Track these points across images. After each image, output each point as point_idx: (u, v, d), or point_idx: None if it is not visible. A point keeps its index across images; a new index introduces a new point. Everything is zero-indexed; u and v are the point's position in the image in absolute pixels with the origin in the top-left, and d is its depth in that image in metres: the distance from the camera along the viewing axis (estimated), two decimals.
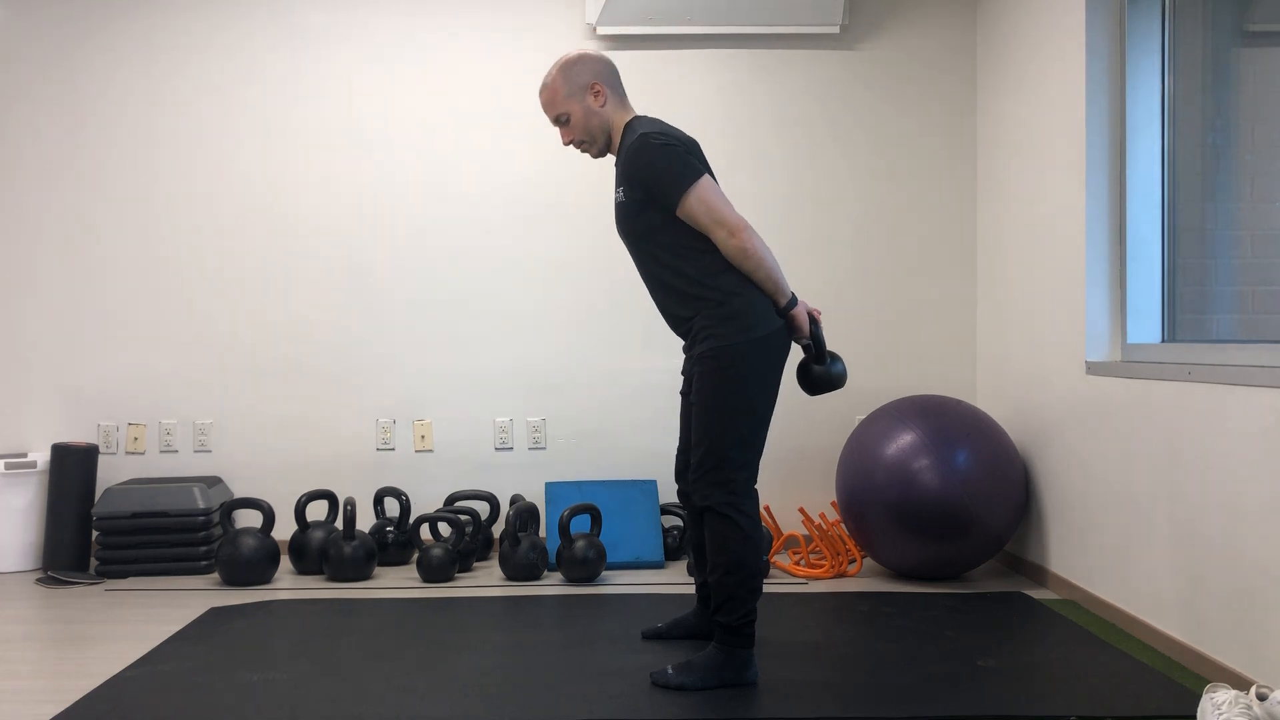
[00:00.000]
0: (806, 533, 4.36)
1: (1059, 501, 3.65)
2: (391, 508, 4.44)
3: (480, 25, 4.39)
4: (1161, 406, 2.98)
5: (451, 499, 4.27)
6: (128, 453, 4.36)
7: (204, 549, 4.04)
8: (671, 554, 4.20)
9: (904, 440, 3.67)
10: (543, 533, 4.29)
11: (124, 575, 4.01)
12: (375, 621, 3.34)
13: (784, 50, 4.42)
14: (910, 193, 4.45)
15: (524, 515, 3.97)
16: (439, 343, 4.41)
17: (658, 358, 4.41)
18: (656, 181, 2.69)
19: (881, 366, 4.45)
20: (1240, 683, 2.61)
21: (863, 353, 4.44)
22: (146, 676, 2.81)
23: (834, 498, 4.39)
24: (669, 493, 4.38)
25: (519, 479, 4.42)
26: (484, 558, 4.26)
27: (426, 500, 4.41)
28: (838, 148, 4.43)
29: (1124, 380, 3.20)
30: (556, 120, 2.87)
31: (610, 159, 4.25)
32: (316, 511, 4.41)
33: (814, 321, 2.86)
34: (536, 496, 4.42)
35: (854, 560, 3.98)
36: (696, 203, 2.68)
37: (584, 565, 3.81)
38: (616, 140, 2.87)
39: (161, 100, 4.36)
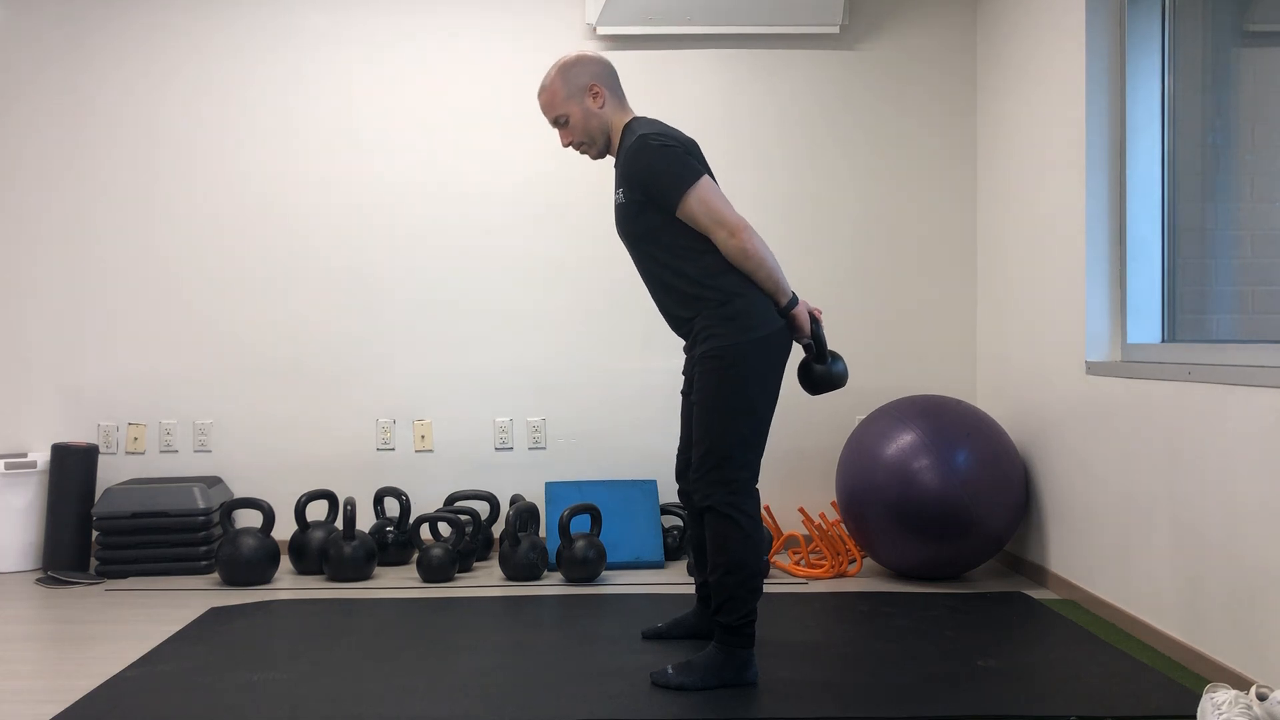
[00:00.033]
0: (806, 533, 4.36)
1: (1059, 501, 3.65)
2: (391, 508, 4.45)
3: (480, 25, 4.39)
4: (1161, 406, 2.98)
5: (451, 499, 4.27)
6: (128, 453, 4.36)
7: (204, 549, 4.04)
8: (671, 554, 4.20)
9: (904, 440, 3.67)
10: (543, 533, 4.29)
11: (124, 575, 4.01)
12: (375, 621, 3.34)
13: (784, 50, 4.42)
14: (910, 193, 4.45)
15: (524, 515, 3.97)
16: (439, 343, 4.41)
17: (658, 358, 4.41)
18: (656, 183, 2.69)
19: (881, 366, 4.45)
20: (1240, 683, 2.61)
21: (863, 353, 4.44)
22: (146, 676, 2.81)
23: (834, 498, 4.39)
24: (669, 493, 4.38)
25: (519, 479, 4.42)
26: (484, 558, 4.26)
27: (426, 500, 4.41)
28: (838, 148, 4.43)
29: (1124, 380, 3.20)
30: (555, 122, 2.87)
31: (610, 160, 4.25)
32: (316, 511, 4.41)
33: (815, 321, 2.86)
34: (536, 496, 4.42)
35: (854, 560, 3.98)
36: (696, 203, 2.68)
37: (584, 565, 3.81)
38: (616, 141, 2.87)
39: (161, 100, 4.36)
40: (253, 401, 4.38)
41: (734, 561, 2.67)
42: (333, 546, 3.90)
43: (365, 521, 4.38)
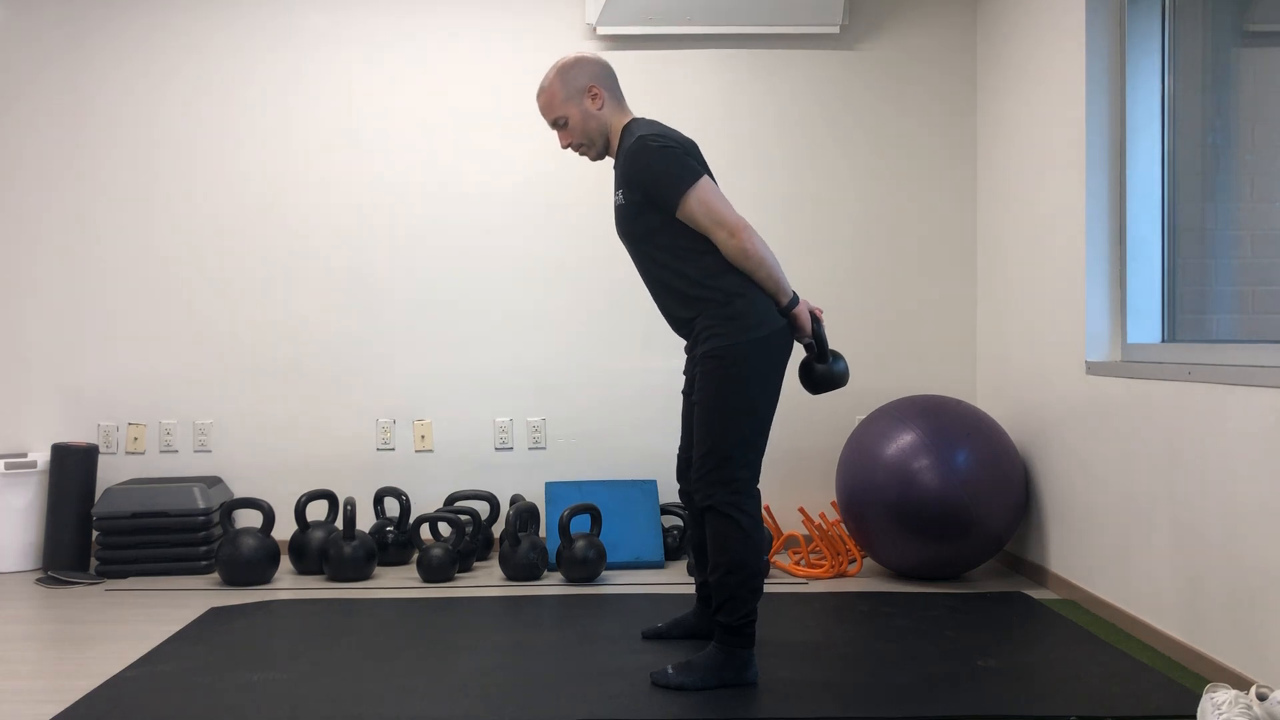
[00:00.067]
0: (806, 533, 4.36)
1: (1059, 501, 3.65)
2: (391, 508, 4.45)
3: (480, 25, 4.39)
4: (1161, 406, 2.98)
5: (451, 499, 4.27)
6: (128, 453, 4.36)
7: (204, 549, 4.04)
8: (671, 554, 4.20)
9: (904, 440, 3.67)
10: (543, 533, 4.29)
11: (124, 575, 4.01)
12: (375, 621, 3.34)
13: (784, 50, 4.42)
14: (910, 193, 4.45)
15: (524, 515, 3.97)
16: (439, 343, 4.41)
17: (658, 358, 4.41)
18: (655, 184, 2.69)
19: (881, 366, 4.45)
20: (1240, 683, 2.61)
21: (863, 353, 4.44)
22: (146, 676, 2.81)
23: (834, 498, 4.39)
24: (669, 493, 4.38)
25: (519, 479, 4.42)
26: (484, 558, 4.26)
27: (426, 500, 4.41)
28: (838, 148, 4.43)
29: (1124, 380, 3.20)
30: (554, 124, 2.87)
31: (610, 160, 4.25)
32: (316, 511, 4.41)
33: (816, 320, 2.86)
34: (536, 496, 4.42)
35: (854, 560, 3.98)
36: (696, 204, 2.68)
37: (584, 565, 3.81)
38: (615, 143, 2.87)
39: (161, 100, 4.36)
40: (253, 401, 4.38)
41: (735, 561, 2.67)
42: (333, 546, 3.90)
43: (365, 521, 4.38)
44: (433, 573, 3.86)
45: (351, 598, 3.65)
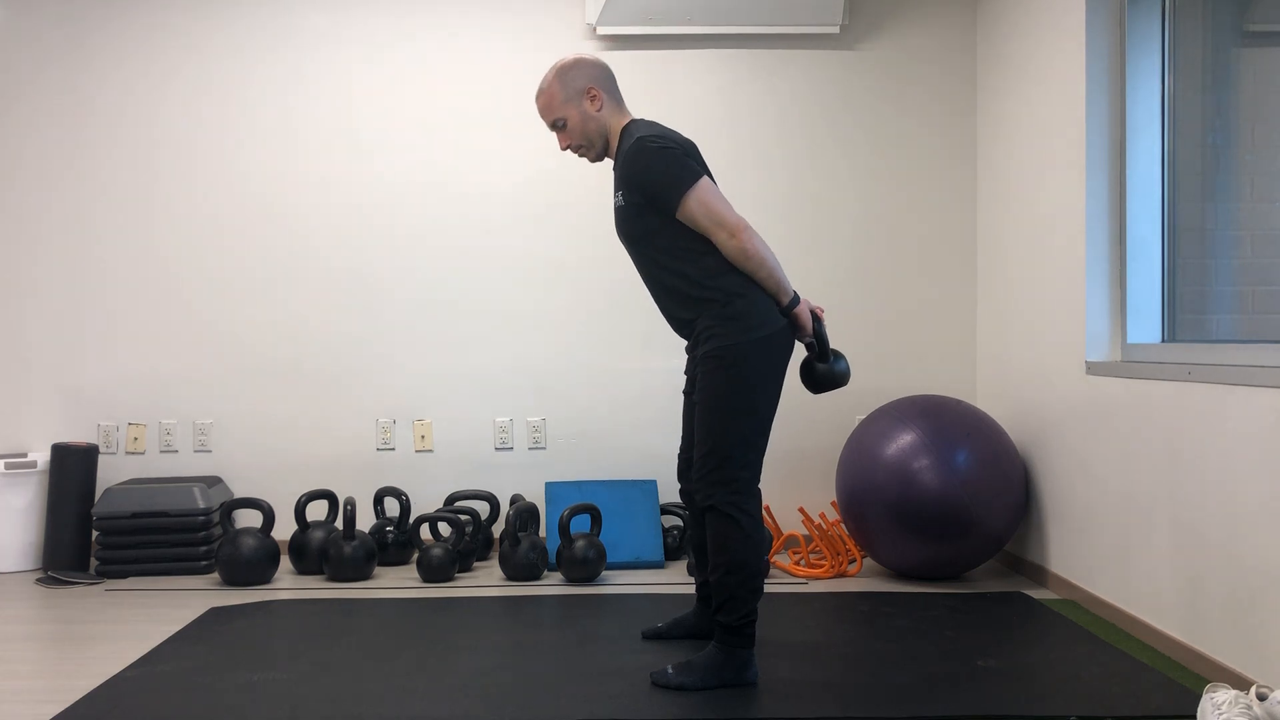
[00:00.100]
0: (806, 533, 4.36)
1: (1059, 501, 3.65)
2: (391, 508, 4.45)
3: (480, 25, 4.39)
4: (1161, 406, 2.98)
5: (451, 499, 4.27)
6: (128, 453, 4.36)
7: (204, 549, 4.04)
8: (671, 554, 4.20)
9: (904, 440, 3.67)
10: (543, 533, 4.29)
11: (124, 575, 4.01)
12: (375, 621, 3.34)
13: (784, 50, 4.42)
14: (910, 193, 4.45)
15: (524, 515, 3.97)
16: (439, 343, 4.41)
17: (658, 358, 4.41)
18: (655, 185, 2.70)
19: (881, 366, 4.45)
20: (1240, 683, 2.61)
21: (863, 353, 4.44)
22: (146, 676, 2.81)
23: (834, 498, 4.39)
24: (669, 493, 4.38)
25: (519, 479, 4.42)
26: (484, 558, 4.26)
27: (426, 500, 4.41)
28: (838, 148, 4.43)
29: (1124, 380, 3.20)
30: (553, 125, 2.88)
31: (609, 161, 4.26)
32: (316, 511, 4.41)
33: (817, 319, 2.86)
34: (536, 496, 4.42)
35: (854, 560, 3.98)
36: (696, 205, 2.68)
37: (584, 565, 3.81)
38: (614, 144, 2.87)
39: (161, 100, 4.36)
40: (253, 401, 4.38)
41: (735, 561, 2.67)
42: (333, 546, 3.90)
43: (365, 521, 4.38)
44: (433, 573, 3.86)
45: (351, 598, 3.65)
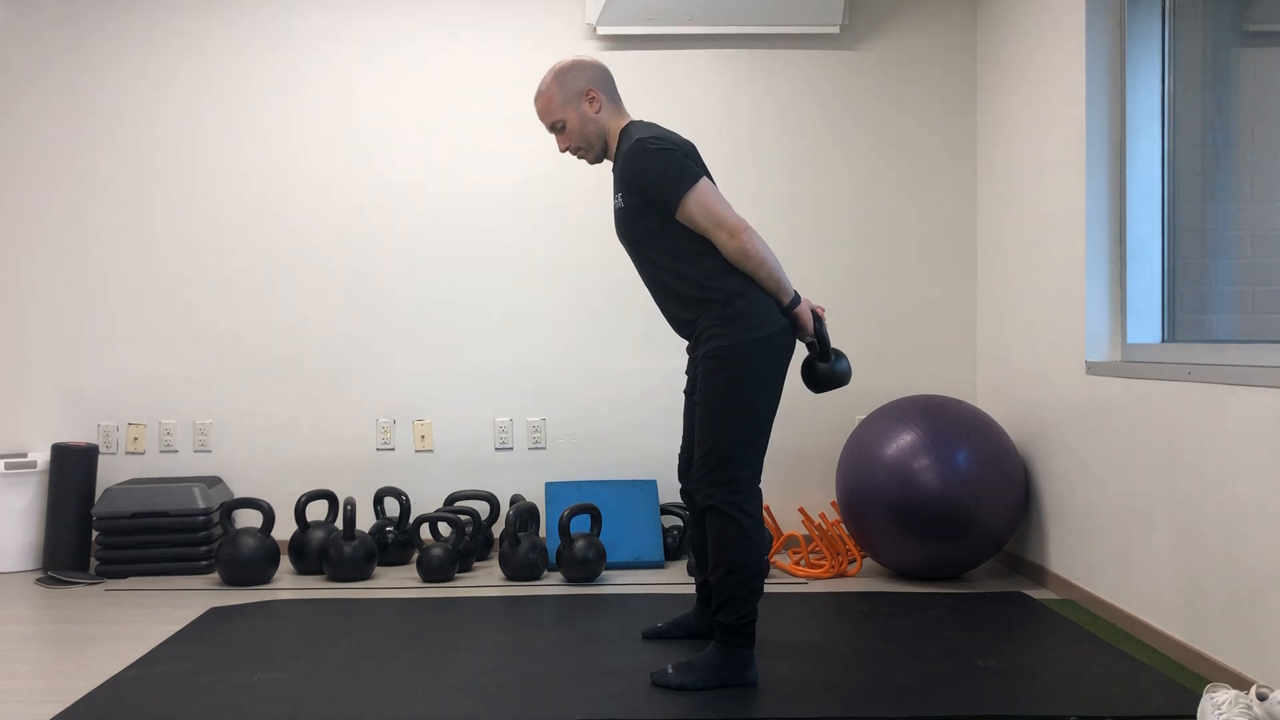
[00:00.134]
0: (806, 533, 4.36)
1: (1059, 501, 3.65)
2: (391, 508, 4.45)
3: (480, 25, 4.39)
4: (1161, 406, 2.98)
5: (451, 499, 4.27)
6: (128, 453, 4.36)
7: (204, 549, 4.04)
8: (671, 554, 4.20)
9: (904, 440, 3.67)
10: (543, 533, 4.29)
11: (124, 575, 4.01)
12: (375, 621, 3.34)
13: (784, 50, 4.42)
14: (910, 193, 4.45)
15: (524, 515, 3.97)
16: (439, 343, 4.41)
17: (658, 358, 4.41)
18: (654, 186, 2.70)
19: (881, 366, 4.45)
20: (1240, 683, 2.61)
21: (863, 353, 4.44)
22: (146, 676, 2.81)
23: (834, 498, 4.39)
24: (669, 493, 4.38)
25: (519, 479, 4.42)
26: (484, 558, 4.26)
27: (426, 500, 4.41)
28: (838, 148, 4.43)
29: (1124, 380, 3.20)
30: (552, 128, 2.88)
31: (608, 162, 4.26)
32: (316, 511, 4.41)
33: (818, 319, 2.86)
34: (536, 496, 4.42)
35: (854, 560, 3.98)
36: (695, 206, 2.68)
37: (584, 565, 3.81)
38: (613, 146, 2.87)
39: (161, 100, 4.36)
40: (253, 401, 4.38)
41: (735, 561, 2.67)
42: (333, 546, 3.90)
43: (365, 521, 4.38)
44: (433, 573, 3.86)
45: (351, 598, 3.65)
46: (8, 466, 4.10)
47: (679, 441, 4.28)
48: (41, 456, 4.20)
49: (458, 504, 4.32)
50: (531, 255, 4.41)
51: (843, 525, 4.04)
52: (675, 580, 3.87)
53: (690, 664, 2.71)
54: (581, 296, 4.42)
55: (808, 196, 4.43)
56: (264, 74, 4.36)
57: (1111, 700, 2.58)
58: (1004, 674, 2.78)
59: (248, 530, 3.88)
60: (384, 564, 4.16)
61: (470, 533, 4.05)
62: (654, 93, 4.38)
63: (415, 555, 4.16)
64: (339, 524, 4.40)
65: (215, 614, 3.45)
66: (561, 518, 3.80)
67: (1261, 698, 2.26)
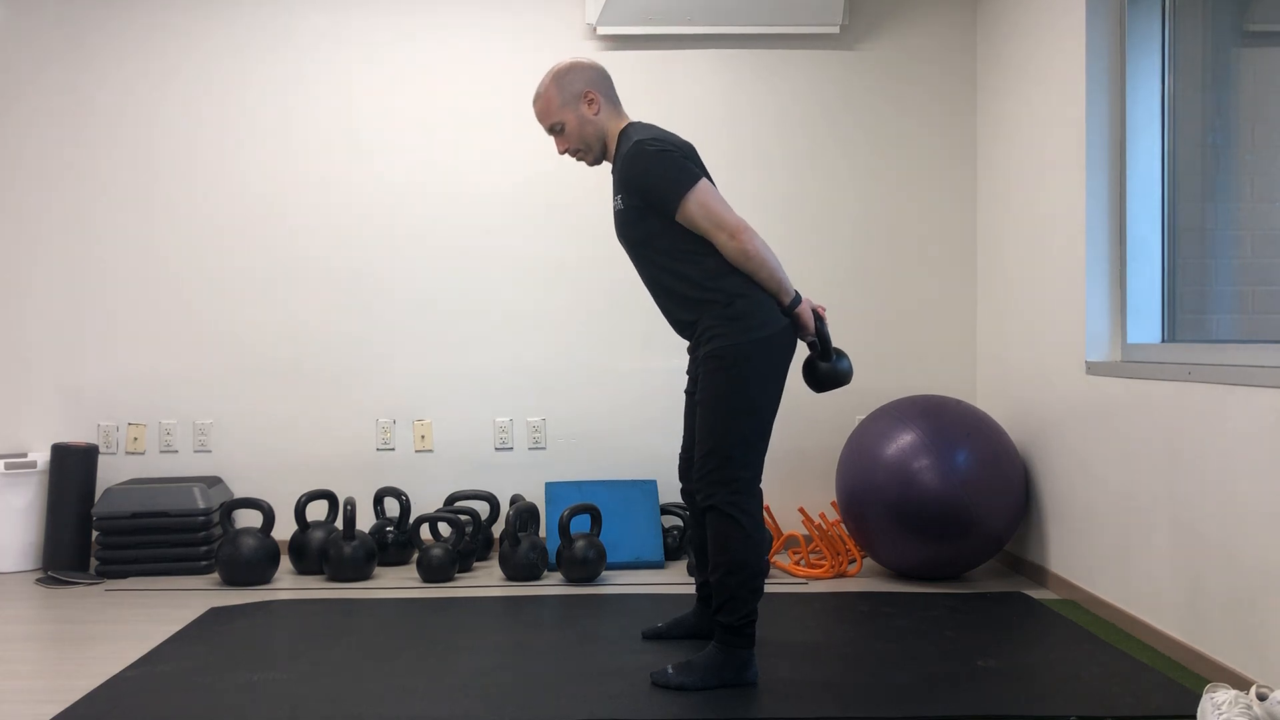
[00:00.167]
0: (806, 533, 4.36)
1: (1059, 501, 3.65)
2: (391, 508, 4.45)
3: (480, 25, 4.39)
4: (1161, 406, 2.98)
5: (451, 499, 4.27)
6: (128, 453, 4.36)
7: (204, 549, 4.04)
8: (671, 554, 4.20)
9: (904, 440, 3.67)
10: (543, 533, 4.29)
11: (124, 575, 4.01)
12: (375, 621, 3.34)
13: (784, 50, 4.42)
14: (910, 193, 4.45)
15: (524, 515, 3.97)
16: (439, 343, 4.41)
17: (658, 358, 4.41)
18: (654, 188, 2.70)
19: (881, 366, 4.45)
20: (1240, 683, 2.61)
21: (863, 353, 4.44)
22: (146, 676, 2.81)
23: (834, 498, 4.39)
24: (669, 493, 4.38)
25: (519, 479, 4.42)
26: (484, 558, 4.26)
27: (426, 500, 4.41)
28: (838, 148, 4.43)
29: (1124, 380, 3.20)
30: (551, 130, 2.87)
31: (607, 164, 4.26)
32: (316, 511, 4.41)
33: (819, 318, 2.86)
34: (536, 496, 4.42)
35: (854, 560, 3.98)
36: (695, 207, 2.68)
37: (584, 565, 3.81)
38: (612, 148, 2.87)
39: (161, 100, 4.36)
40: (253, 401, 4.38)
41: (735, 561, 2.67)
42: (333, 546, 3.90)
43: (365, 521, 4.38)
44: (433, 573, 3.86)
45: (351, 598, 3.65)
46: (8, 466, 4.10)
47: (679, 441, 4.28)
48: (41, 456, 4.20)
49: (458, 504, 4.32)
50: (531, 255, 4.41)
51: (843, 525, 4.04)
52: (675, 580, 3.87)
53: (690, 664, 2.71)
54: (581, 296, 4.42)
55: (808, 196, 4.43)
56: (264, 74, 4.36)
57: (1111, 700, 2.58)
58: (1004, 674, 2.78)
59: (248, 530, 3.88)
60: (384, 564, 4.16)
61: (470, 533, 4.05)
62: (654, 93, 4.38)
63: (415, 555, 4.16)
64: (339, 524, 4.40)
65: (215, 614, 3.45)
66: (561, 518, 3.80)
67: (1261, 698, 2.26)
